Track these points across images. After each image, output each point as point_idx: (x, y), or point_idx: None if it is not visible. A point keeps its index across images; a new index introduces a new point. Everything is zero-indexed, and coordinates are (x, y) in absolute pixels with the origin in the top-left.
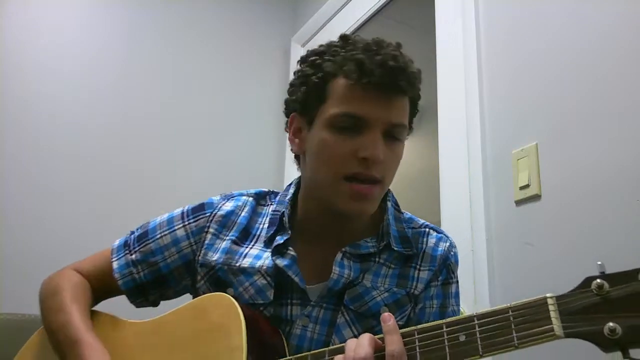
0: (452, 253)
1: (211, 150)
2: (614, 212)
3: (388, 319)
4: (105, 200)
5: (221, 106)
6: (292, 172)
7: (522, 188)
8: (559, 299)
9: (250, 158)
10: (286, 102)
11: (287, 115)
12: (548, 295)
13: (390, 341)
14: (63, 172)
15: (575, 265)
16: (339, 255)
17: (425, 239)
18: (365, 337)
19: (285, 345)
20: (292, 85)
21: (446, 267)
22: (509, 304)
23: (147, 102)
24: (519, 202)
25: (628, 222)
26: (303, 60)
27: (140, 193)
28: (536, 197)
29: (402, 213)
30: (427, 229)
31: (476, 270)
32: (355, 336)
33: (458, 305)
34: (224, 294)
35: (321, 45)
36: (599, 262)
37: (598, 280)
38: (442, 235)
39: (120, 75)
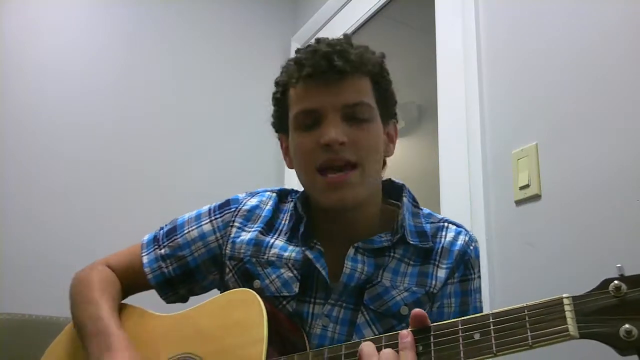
0: (471, 248)
1: (211, 150)
2: (614, 212)
3: (406, 336)
4: (105, 200)
5: (221, 106)
6: (292, 172)
7: (522, 188)
8: (575, 299)
9: (250, 158)
10: (272, 126)
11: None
12: (564, 295)
13: (404, 357)
14: (63, 172)
15: (575, 265)
16: (351, 251)
17: (443, 233)
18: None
19: (306, 341)
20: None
21: (464, 263)
22: (524, 304)
23: (147, 102)
24: (519, 202)
25: (628, 222)
26: (274, 81)
27: (140, 193)
28: (536, 197)
29: (421, 209)
30: (445, 223)
31: None
32: (376, 335)
33: (480, 300)
34: (247, 289)
35: None
36: (618, 265)
37: (616, 282)
38: (462, 229)
39: (120, 75)
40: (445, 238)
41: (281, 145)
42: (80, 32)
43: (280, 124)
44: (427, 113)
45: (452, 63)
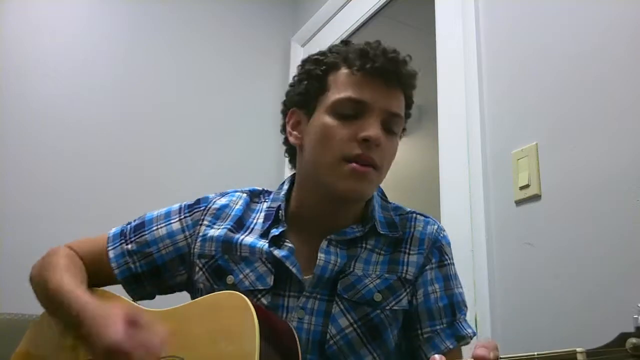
0: (441, 235)
1: (211, 150)
2: (614, 212)
3: None
4: (105, 199)
5: (221, 106)
6: (292, 172)
7: (522, 188)
8: (589, 354)
9: (250, 158)
10: (285, 100)
11: (284, 113)
12: (578, 349)
13: None
14: (63, 171)
15: (575, 265)
16: (324, 243)
17: (412, 223)
18: None
19: (298, 345)
20: (292, 85)
21: (437, 249)
22: (535, 353)
23: (147, 102)
24: (519, 202)
25: (628, 222)
26: (305, 61)
27: (140, 192)
28: (536, 197)
29: (390, 203)
30: (414, 214)
31: (476, 270)
32: (351, 324)
33: (461, 286)
34: (239, 294)
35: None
36: (635, 316)
37: (634, 340)
38: (430, 219)
39: (119, 74)
40: (414, 228)
41: (288, 120)
42: (80, 32)
43: (303, 99)
44: (427, 113)
45: (452, 63)
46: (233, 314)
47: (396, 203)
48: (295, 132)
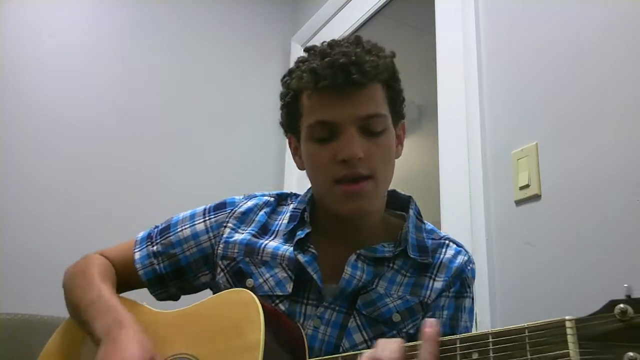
0: (469, 268)
1: (211, 150)
2: (614, 212)
3: (433, 325)
4: (105, 200)
5: (221, 106)
6: (292, 172)
7: (522, 188)
8: (578, 322)
9: (250, 158)
10: (280, 124)
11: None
12: (567, 317)
13: (426, 348)
14: (63, 172)
15: (575, 265)
16: (352, 257)
17: (444, 250)
18: (397, 342)
19: (305, 343)
20: (280, 108)
21: (460, 281)
22: (525, 324)
23: (147, 102)
24: (519, 202)
25: (628, 222)
26: (282, 83)
27: (140, 193)
28: (536, 197)
29: (425, 224)
30: (447, 241)
31: (476, 270)
32: (365, 341)
33: (471, 322)
34: (244, 289)
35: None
36: (626, 285)
37: (622, 305)
38: (462, 249)
39: (119, 74)
40: (444, 255)
41: (289, 145)
42: (80, 32)
43: (290, 126)
44: (427, 113)
45: (452, 63)
46: (240, 309)
47: (431, 225)
48: (297, 157)
